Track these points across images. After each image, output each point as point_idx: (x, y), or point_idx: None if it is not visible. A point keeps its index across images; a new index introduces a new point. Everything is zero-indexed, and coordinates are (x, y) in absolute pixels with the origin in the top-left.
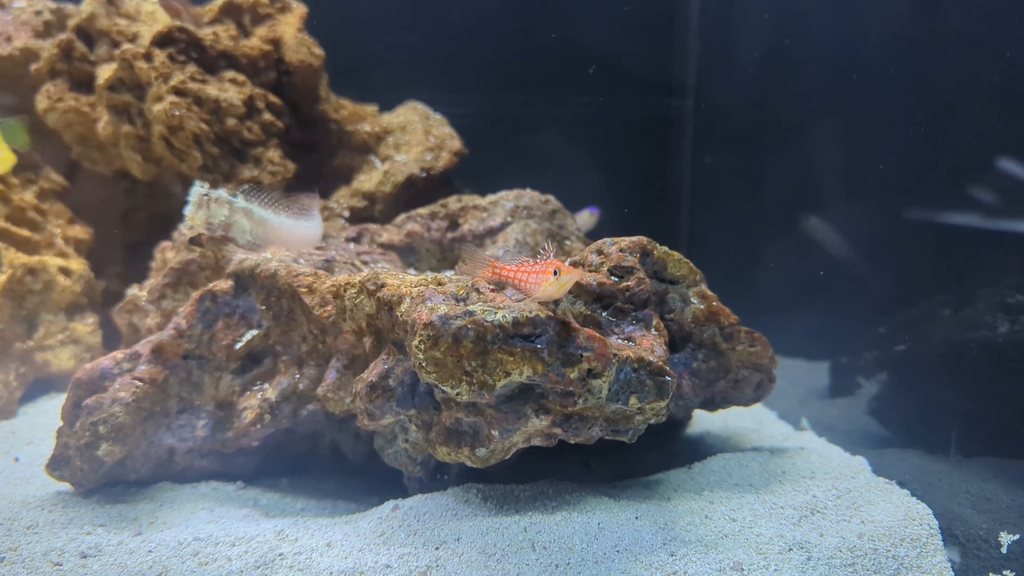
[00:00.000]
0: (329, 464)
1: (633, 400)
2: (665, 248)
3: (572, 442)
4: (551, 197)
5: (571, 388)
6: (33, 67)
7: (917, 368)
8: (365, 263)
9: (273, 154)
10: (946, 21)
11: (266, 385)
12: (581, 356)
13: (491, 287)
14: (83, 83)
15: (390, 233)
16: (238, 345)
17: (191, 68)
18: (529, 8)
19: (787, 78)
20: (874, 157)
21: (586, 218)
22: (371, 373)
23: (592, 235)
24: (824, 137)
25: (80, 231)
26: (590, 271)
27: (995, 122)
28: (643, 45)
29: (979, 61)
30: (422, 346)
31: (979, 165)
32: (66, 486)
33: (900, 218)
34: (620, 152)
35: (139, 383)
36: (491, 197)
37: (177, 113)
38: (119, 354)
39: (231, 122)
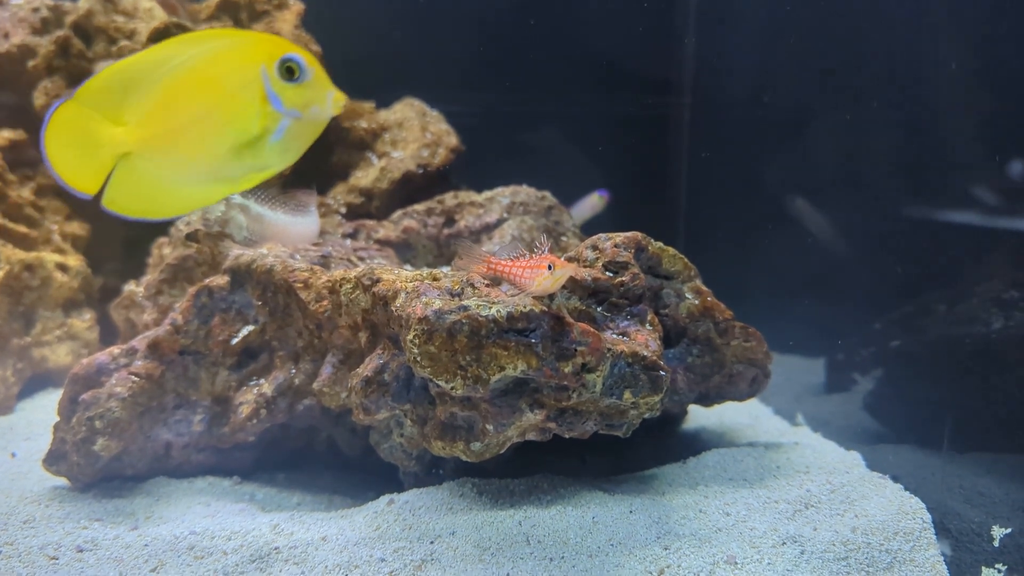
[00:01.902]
0: (325, 459)
1: (627, 394)
2: (660, 243)
3: (567, 436)
4: (547, 193)
5: (565, 382)
6: (30, 64)
7: (912, 364)
8: (361, 259)
9: None
10: (945, 19)
11: (262, 380)
12: (575, 351)
13: (486, 282)
14: (80, 80)
15: (387, 229)
16: (234, 340)
17: None
18: (528, 5)
19: (784, 76)
20: (870, 154)
21: (595, 201)
22: (366, 368)
23: (590, 229)
24: (820, 134)
25: (77, 227)
26: (585, 266)
27: (992, 119)
28: (641, 42)
29: (978, 59)
30: (417, 341)
31: (975, 161)
32: (63, 481)
33: (896, 214)
34: (616, 148)
35: (136, 378)
36: (487, 193)
37: None
38: (116, 349)
39: None
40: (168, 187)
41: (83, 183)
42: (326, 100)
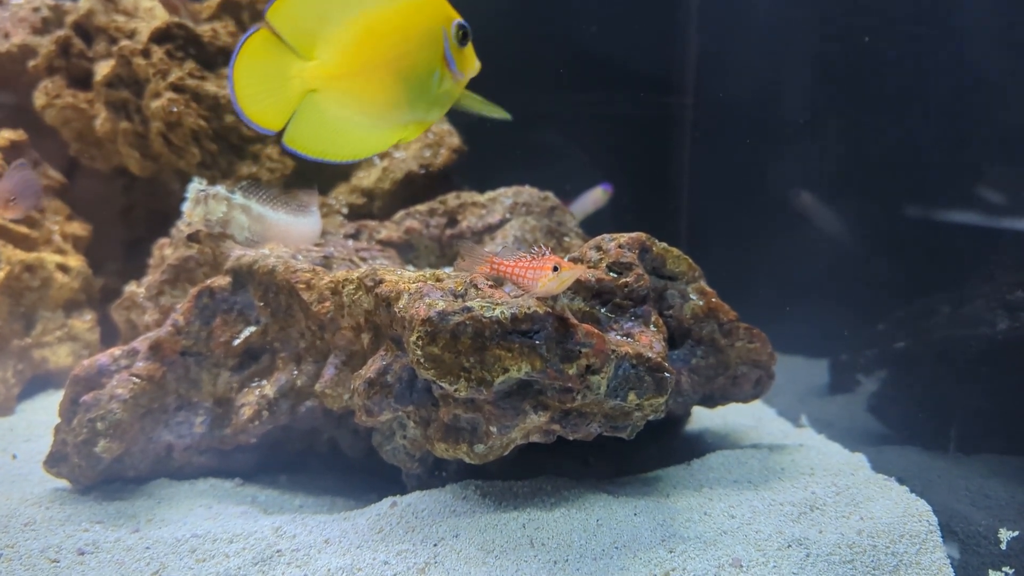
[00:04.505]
0: (327, 461)
1: (632, 396)
2: (664, 244)
3: (571, 438)
4: (550, 194)
5: (570, 384)
6: (31, 64)
7: (916, 365)
8: (364, 260)
9: (272, 150)
10: (949, 16)
11: (264, 382)
12: (580, 352)
13: (490, 283)
14: (81, 80)
15: (389, 230)
16: (236, 342)
17: (189, 64)
18: (529, 4)
19: (788, 74)
20: (874, 153)
21: (598, 195)
22: (369, 369)
23: (592, 225)
24: (824, 133)
25: (78, 228)
26: (589, 267)
27: (997, 118)
28: (643, 40)
29: (983, 57)
30: (420, 342)
31: (980, 161)
32: (64, 483)
33: (900, 215)
34: (619, 148)
35: (137, 380)
36: (490, 194)
37: (175, 109)
38: (117, 351)
39: (230, 118)
40: (350, 129)
41: (268, 119)
42: (474, 66)
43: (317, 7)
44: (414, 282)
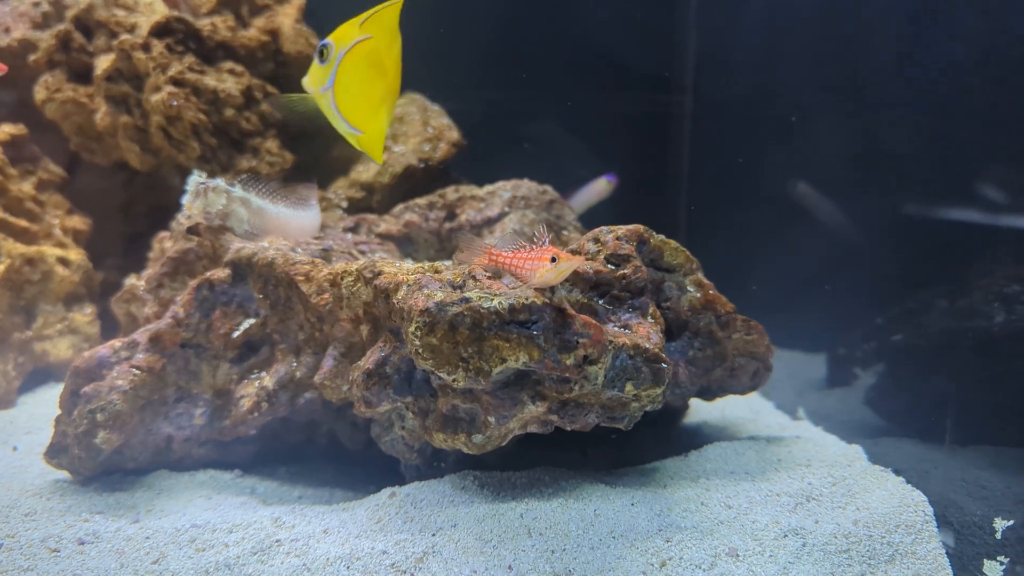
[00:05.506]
0: (326, 452)
1: (629, 387)
2: (662, 236)
3: (568, 429)
4: (549, 187)
5: (567, 374)
6: (31, 58)
7: (913, 358)
8: (363, 253)
9: (271, 144)
10: (948, 13)
11: (263, 373)
12: (577, 343)
13: (488, 275)
14: (81, 74)
15: (388, 223)
16: (235, 334)
17: (189, 59)
18: (530, 1)
19: (786, 70)
20: (872, 149)
21: (602, 186)
22: (368, 361)
23: (592, 218)
24: (822, 128)
25: (78, 222)
26: (587, 259)
27: (995, 114)
28: (642, 37)
29: (980, 54)
30: (418, 333)
31: (978, 157)
32: (64, 474)
33: (898, 209)
34: (618, 143)
35: (137, 371)
36: (489, 187)
37: (175, 103)
38: (117, 343)
39: (229, 112)
40: (381, 141)
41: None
42: None
43: (391, 25)
44: (412, 274)
